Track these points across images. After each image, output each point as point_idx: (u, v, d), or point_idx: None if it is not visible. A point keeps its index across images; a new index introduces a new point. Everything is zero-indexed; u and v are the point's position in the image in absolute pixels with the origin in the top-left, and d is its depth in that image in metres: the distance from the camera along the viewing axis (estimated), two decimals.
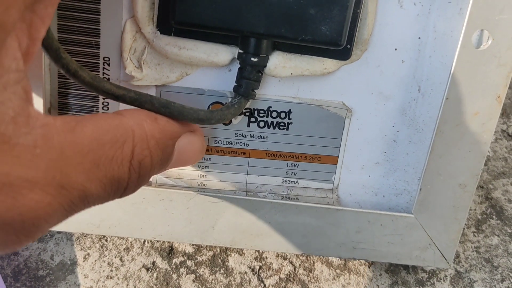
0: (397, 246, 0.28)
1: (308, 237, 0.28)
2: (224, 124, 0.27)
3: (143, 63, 0.25)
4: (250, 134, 0.28)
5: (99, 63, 0.25)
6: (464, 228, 0.34)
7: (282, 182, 0.29)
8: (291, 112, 0.27)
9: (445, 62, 0.26)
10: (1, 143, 0.14)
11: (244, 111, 0.27)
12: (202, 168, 0.28)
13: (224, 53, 0.25)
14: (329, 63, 0.26)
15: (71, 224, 0.27)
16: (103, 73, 0.25)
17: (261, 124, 0.27)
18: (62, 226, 0.27)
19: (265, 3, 0.23)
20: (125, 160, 0.19)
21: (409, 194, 0.29)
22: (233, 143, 0.28)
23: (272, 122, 0.27)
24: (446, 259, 0.29)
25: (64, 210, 0.17)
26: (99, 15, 0.24)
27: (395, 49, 0.26)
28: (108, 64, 0.25)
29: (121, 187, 0.19)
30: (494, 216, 0.35)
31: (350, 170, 0.29)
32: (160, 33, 0.25)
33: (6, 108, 0.15)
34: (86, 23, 0.24)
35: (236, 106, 0.25)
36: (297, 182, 0.29)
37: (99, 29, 0.25)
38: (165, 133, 0.21)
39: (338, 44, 0.24)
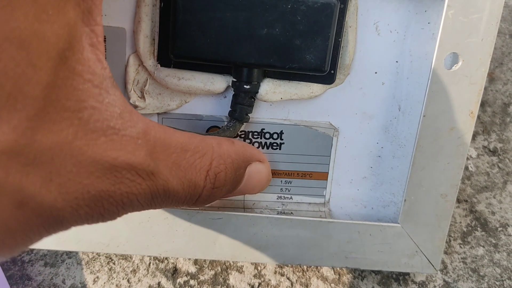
0: (386, 254, 0.30)
1: (303, 249, 0.29)
2: None
3: (146, 93, 0.27)
4: None
5: None
6: (450, 240, 0.35)
7: (277, 198, 0.31)
8: (283, 133, 0.29)
9: (421, 83, 0.28)
10: (111, 134, 0.18)
11: (239, 133, 0.29)
12: None
13: (219, 82, 0.27)
14: (315, 88, 0.27)
15: (83, 243, 0.28)
16: None
17: (256, 145, 0.29)
18: (74, 246, 0.29)
19: (255, 36, 0.25)
20: (203, 169, 0.22)
21: (395, 205, 0.30)
22: None
23: (265, 142, 0.29)
24: (433, 265, 0.30)
25: (150, 194, 0.19)
26: (105, 51, 0.26)
27: (375, 73, 0.28)
28: None
29: (196, 192, 0.22)
30: (478, 228, 0.36)
31: (339, 185, 0.31)
32: (161, 66, 0.26)
33: (113, 107, 0.18)
34: None
35: (231, 129, 0.27)
36: (291, 197, 0.31)
37: None
38: (239, 156, 0.24)
39: (322, 70, 0.26)
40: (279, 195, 0.30)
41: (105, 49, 0.26)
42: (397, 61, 0.28)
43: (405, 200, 0.29)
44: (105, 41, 0.26)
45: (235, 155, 0.24)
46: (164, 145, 0.20)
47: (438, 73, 0.26)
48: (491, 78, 0.35)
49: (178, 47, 0.25)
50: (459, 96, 0.27)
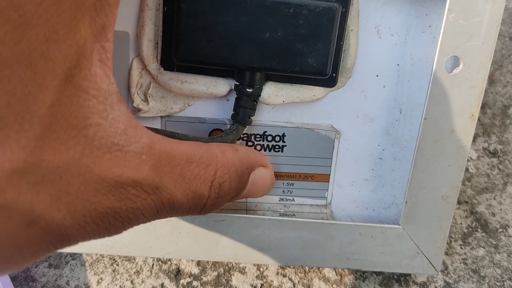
0: (387, 255, 0.30)
1: (305, 250, 0.30)
2: None
3: (149, 97, 0.27)
4: None
5: None
6: (451, 241, 0.35)
7: (279, 200, 0.31)
8: (285, 136, 0.29)
9: (422, 86, 0.28)
10: (116, 151, 0.18)
11: (242, 136, 0.29)
12: None
13: (222, 85, 0.27)
14: (317, 91, 0.28)
15: (87, 245, 0.29)
16: None
17: (258, 147, 0.30)
18: (78, 248, 0.29)
19: (257, 40, 0.25)
20: (207, 180, 0.22)
21: (396, 207, 0.31)
22: None
23: (268, 145, 0.30)
24: (433, 266, 0.30)
25: (155, 208, 0.20)
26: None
27: (377, 76, 0.28)
28: None
29: (201, 203, 0.22)
30: (479, 229, 0.36)
31: (341, 187, 0.31)
32: (164, 70, 0.26)
33: (117, 123, 0.18)
34: None
35: (234, 132, 0.27)
36: (293, 199, 0.31)
37: None
38: (243, 163, 0.24)
39: (324, 74, 0.26)
40: (281, 197, 0.31)
41: None
42: (398, 64, 0.28)
43: (406, 202, 0.29)
44: None
45: (239, 162, 0.24)
46: (169, 157, 0.20)
47: (439, 76, 0.27)
48: (491, 80, 0.35)
49: (181, 50, 0.25)
50: (460, 99, 0.27)
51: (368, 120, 0.29)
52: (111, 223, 0.18)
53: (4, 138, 0.14)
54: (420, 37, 0.28)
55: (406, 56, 0.28)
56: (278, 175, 0.30)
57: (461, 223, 0.36)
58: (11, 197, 0.15)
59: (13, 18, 0.14)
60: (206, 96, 0.27)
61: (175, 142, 0.21)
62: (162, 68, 0.27)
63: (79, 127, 0.16)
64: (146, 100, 0.27)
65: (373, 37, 0.28)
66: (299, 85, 0.27)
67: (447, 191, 0.29)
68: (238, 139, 0.29)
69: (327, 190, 0.31)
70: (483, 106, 0.35)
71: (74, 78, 0.16)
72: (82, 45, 0.17)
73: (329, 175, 0.30)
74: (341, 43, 0.26)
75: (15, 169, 0.15)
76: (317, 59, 0.25)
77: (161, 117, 0.28)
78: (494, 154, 0.36)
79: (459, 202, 0.36)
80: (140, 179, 0.19)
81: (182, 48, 0.25)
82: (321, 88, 0.28)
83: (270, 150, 0.30)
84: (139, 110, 0.27)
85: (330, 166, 0.30)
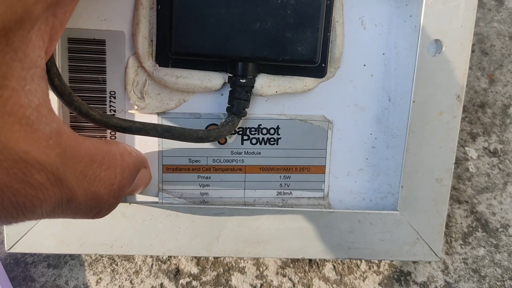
0: (388, 243, 0.30)
1: (306, 241, 0.30)
2: (220, 143, 0.30)
3: (145, 94, 0.28)
4: (245, 151, 0.30)
5: (106, 96, 0.28)
6: (451, 241, 0.36)
7: (277, 194, 0.31)
8: (279, 128, 0.30)
9: (408, 74, 0.29)
10: (25, 125, 0.16)
11: (237, 130, 0.30)
12: (203, 186, 0.30)
13: (216, 79, 0.28)
14: (308, 81, 0.29)
15: (86, 245, 0.28)
16: (110, 106, 0.28)
17: (254, 141, 0.30)
18: (78, 249, 0.29)
19: (248, 30, 0.26)
20: (108, 183, 0.21)
21: (393, 196, 0.31)
22: (230, 161, 0.30)
23: (263, 138, 0.30)
24: (434, 252, 0.30)
25: (55, 202, 0.18)
26: (105, 54, 0.27)
27: (364, 65, 0.29)
28: (114, 97, 0.28)
29: (98, 206, 0.20)
30: (479, 229, 0.36)
31: (337, 178, 0.31)
32: (159, 66, 0.27)
33: (32, 96, 0.16)
34: (93, 62, 0.27)
35: (230, 124, 0.27)
36: (290, 193, 0.31)
37: (105, 67, 0.28)
38: (136, 166, 0.24)
39: (313, 62, 0.27)
40: (279, 190, 0.31)
41: (105, 53, 0.27)
42: (383, 54, 0.29)
43: (402, 187, 0.29)
44: (105, 44, 0.27)
45: (133, 166, 0.24)
46: (74, 152, 0.19)
47: (424, 59, 0.28)
48: (491, 79, 0.36)
49: (175, 44, 0.26)
50: (445, 81, 0.28)
51: (359, 109, 0.30)
52: (4, 206, 0.16)
53: None
54: (402, 27, 0.29)
55: (390, 45, 0.29)
56: (274, 168, 0.31)
57: (461, 223, 0.36)
58: None
59: None
60: (201, 90, 0.28)
61: (80, 137, 0.20)
62: (157, 65, 0.27)
63: None
64: (142, 98, 0.28)
65: (358, 28, 0.29)
66: (290, 76, 0.28)
67: (441, 174, 0.29)
68: (234, 133, 0.30)
69: (324, 181, 0.31)
70: (483, 106, 0.36)
71: (10, 33, 0.15)
72: (31, 6, 0.16)
73: (325, 166, 0.31)
74: (328, 34, 0.28)
75: None
76: (306, 47, 0.27)
77: (158, 113, 0.29)
78: (494, 153, 0.37)
79: (459, 202, 0.36)
80: (46, 164, 0.17)
81: (177, 41, 0.26)
82: (312, 79, 0.29)
83: (265, 144, 0.30)
84: (135, 107, 0.28)
85: (325, 157, 0.31)
